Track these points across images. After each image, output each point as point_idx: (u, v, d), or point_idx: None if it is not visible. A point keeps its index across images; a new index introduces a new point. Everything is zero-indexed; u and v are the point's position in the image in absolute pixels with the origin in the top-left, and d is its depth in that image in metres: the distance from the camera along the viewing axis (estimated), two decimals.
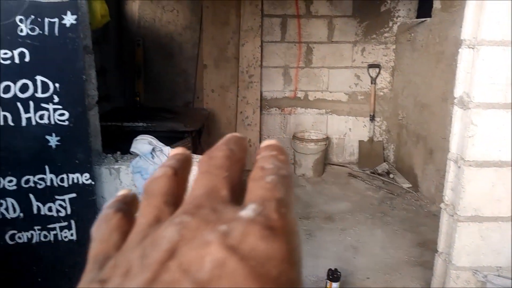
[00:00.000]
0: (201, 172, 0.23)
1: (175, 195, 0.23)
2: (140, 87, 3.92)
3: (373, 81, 4.22)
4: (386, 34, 4.16)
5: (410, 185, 3.69)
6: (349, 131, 4.37)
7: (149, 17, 4.02)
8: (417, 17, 3.92)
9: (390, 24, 4.13)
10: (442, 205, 1.97)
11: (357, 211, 3.23)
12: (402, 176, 3.92)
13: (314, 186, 3.77)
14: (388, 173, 4.00)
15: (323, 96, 4.32)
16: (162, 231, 0.20)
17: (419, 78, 3.67)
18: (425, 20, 3.58)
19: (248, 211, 0.20)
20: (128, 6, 4.01)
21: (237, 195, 0.23)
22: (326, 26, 4.17)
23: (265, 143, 0.26)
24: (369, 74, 4.22)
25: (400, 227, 2.99)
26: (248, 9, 4.01)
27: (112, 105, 3.53)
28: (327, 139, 4.12)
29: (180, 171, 0.25)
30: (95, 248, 0.23)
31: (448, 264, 1.94)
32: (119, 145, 2.67)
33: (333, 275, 2.09)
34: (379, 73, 4.23)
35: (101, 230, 0.23)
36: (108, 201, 0.25)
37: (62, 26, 1.66)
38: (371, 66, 4.21)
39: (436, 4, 3.38)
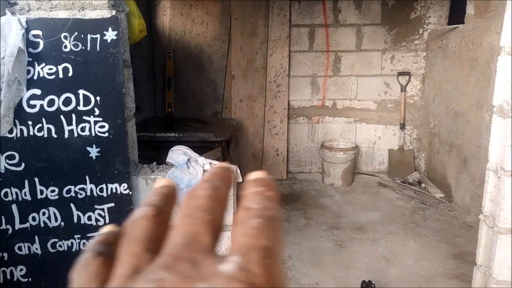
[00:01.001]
0: (182, 216, 0.21)
1: (156, 239, 0.22)
2: (171, 98, 4.00)
3: (403, 89, 4.16)
4: (416, 42, 4.10)
5: (443, 195, 3.60)
6: (379, 140, 4.31)
7: (179, 29, 4.12)
8: (449, 24, 3.85)
9: (421, 31, 4.07)
10: (481, 217, 1.91)
11: (388, 221, 3.17)
12: (434, 185, 3.83)
13: (343, 195, 3.73)
14: (419, 182, 3.92)
15: (352, 104, 4.29)
16: None
17: (452, 85, 3.59)
18: (457, 27, 3.51)
19: (229, 266, 0.18)
20: (160, 19, 4.12)
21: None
22: (354, 34, 4.15)
23: (252, 176, 0.24)
24: (398, 82, 4.17)
25: (434, 238, 2.92)
26: (276, 20, 4.05)
27: (144, 116, 3.62)
28: (356, 148, 4.08)
29: (164, 208, 0.23)
30: None
31: (488, 278, 1.88)
32: (152, 155, 2.74)
33: (367, 287, 2.05)
34: (409, 80, 4.17)
35: (80, 277, 0.22)
36: (90, 242, 0.24)
37: (103, 41, 1.72)
38: (401, 73, 4.16)
39: (470, 10, 3.32)
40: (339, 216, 3.28)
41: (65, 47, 1.71)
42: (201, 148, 2.80)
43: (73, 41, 1.72)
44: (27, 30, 1.69)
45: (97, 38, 1.73)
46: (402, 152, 4.22)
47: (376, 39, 4.13)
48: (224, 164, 0.26)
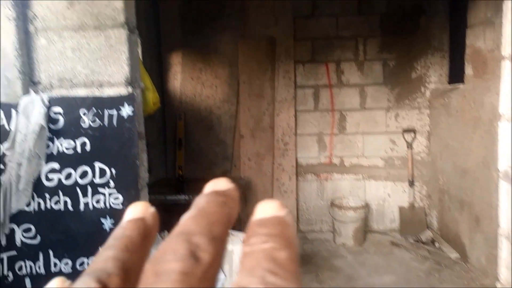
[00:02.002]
0: None
1: None
2: (181, 158, 4.08)
3: (409, 145, 4.21)
4: (419, 100, 4.21)
5: (458, 255, 3.51)
6: (388, 197, 4.29)
7: (190, 93, 4.30)
8: (449, 82, 3.98)
9: (422, 90, 4.20)
10: (497, 285, 1.87)
11: (403, 284, 3.08)
12: (448, 245, 3.75)
13: (355, 256, 3.66)
14: (432, 241, 3.84)
15: (359, 161, 4.33)
16: None
17: (457, 143, 3.63)
18: (458, 86, 3.62)
19: None
20: (171, 83, 4.31)
21: None
22: (358, 94, 4.29)
23: (259, 213, 0.17)
24: (404, 139, 4.23)
25: None
26: (282, 82, 4.22)
27: (154, 177, 3.69)
28: (366, 206, 4.06)
29: (119, 268, 0.16)
30: None
31: None
32: (163, 217, 2.76)
33: None
34: (414, 137, 4.23)
35: None
36: None
37: (120, 117, 1.82)
38: (406, 131, 4.23)
39: (468, 71, 3.44)
40: (353, 279, 3.20)
41: (84, 122, 1.81)
42: None
43: (92, 117, 1.82)
44: (49, 108, 1.80)
45: (113, 114, 1.82)
46: (413, 210, 4.18)
47: (380, 98, 4.26)
48: (218, 188, 0.18)
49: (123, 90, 1.85)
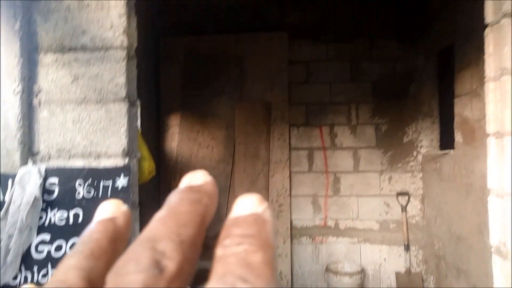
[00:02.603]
0: None
1: None
2: None
3: (404, 209, 4.21)
4: (411, 163, 4.28)
5: None
6: (384, 261, 4.22)
7: (186, 153, 4.36)
8: (441, 147, 4.07)
9: (415, 154, 4.28)
10: None
11: None
12: None
13: None
14: None
15: (354, 224, 4.30)
16: None
17: (451, 208, 3.65)
18: (448, 152, 3.71)
19: None
20: (168, 144, 4.38)
21: None
22: (351, 156, 4.36)
23: (236, 210, 0.16)
24: (398, 202, 4.24)
25: None
26: (276, 144, 4.30)
27: None
28: (362, 271, 3.98)
29: (82, 279, 0.15)
30: None
31: None
32: None
33: None
34: (408, 201, 4.24)
35: None
36: None
37: (114, 188, 1.85)
38: (400, 194, 4.25)
39: (458, 138, 3.54)
40: None
41: (78, 194, 1.83)
42: (201, 278, 2.74)
43: (87, 187, 1.84)
44: (45, 178, 1.82)
45: (109, 185, 1.85)
46: (410, 275, 4.09)
47: (373, 161, 4.32)
48: (194, 183, 0.17)
49: (120, 161, 1.89)
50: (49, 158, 1.90)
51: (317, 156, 4.38)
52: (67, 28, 1.84)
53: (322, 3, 4.20)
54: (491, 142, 1.89)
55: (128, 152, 1.93)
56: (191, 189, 0.17)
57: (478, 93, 3.18)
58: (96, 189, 1.84)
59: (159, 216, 0.16)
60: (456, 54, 3.47)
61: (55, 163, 1.89)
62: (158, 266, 0.14)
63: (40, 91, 1.89)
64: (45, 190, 1.81)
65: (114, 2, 1.84)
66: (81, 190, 1.83)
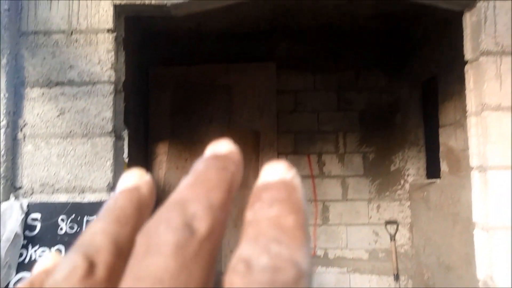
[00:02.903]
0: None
1: None
2: None
3: (392, 238, 4.20)
4: (399, 192, 4.30)
5: None
6: None
7: (174, 182, 4.32)
8: (427, 176, 4.11)
9: (402, 182, 4.31)
10: None
11: None
12: None
13: None
14: None
15: (343, 253, 4.27)
16: None
17: (439, 237, 3.65)
18: (435, 181, 3.74)
19: None
20: (156, 173, 4.35)
21: None
22: (339, 185, 4.37)
23: (264, 176, 0.16)
24: (387, 230, 4.23)
25: None
26: None
27: None
28: None
29: (110, 242, 0.15)
30: None
31: None
32: None
33: None
34: (397, 229, 4.24)
35: None
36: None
37: None
38: (389, 222, 4.25)
39: (444, 167, 3.58)
40: None
41: (61, 229, 1.79)
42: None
43: (69, 223, 1.80)
44: (27, 214, 1.78)
45: (93, 220, 1.81)
46: None
47: (361, 189, 4.34)
48: (219, 151, 0.16)
49: (105, 196, 1.87)
50: (32, 192, 1.87)
51: (306, 185, 4.38)
52: (54, 63, 1.85)
53: (309, 36, 4.31)
54: (475, 175, 1.92)
55: (114, 186, 1.91)
56: (216, 157, 0.16)
57: (462, 123, 3.25)
58: (80, 224, 1.80)
59: (186, 182, 0.16)
60: (439, 85, 3.56)
61: (38, 198, 1.85)
62: (189, 227, 0.13)
63: (25, 125, 1.88)
64: (27, 226, 1.77)
65: (103, 38, 1.86)
66: (64, 226, 1.79)
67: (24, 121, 1.88)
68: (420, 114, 4.21)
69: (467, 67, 1.88)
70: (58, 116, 1.88)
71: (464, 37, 1.86)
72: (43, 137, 1.88)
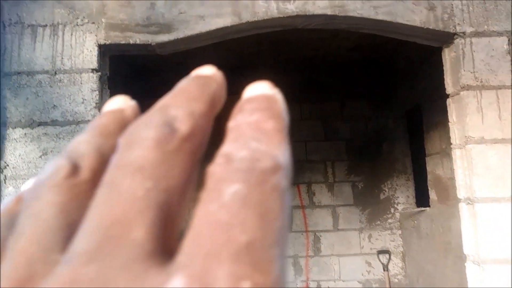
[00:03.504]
0: (101, 185, 0.13)
1: (73, 229, 0.12)
2: None
3: (385, 267, 4.14)
4: (390, 220, 4.28)
5: None
6: None
7: None
8: (417, 204, 4.11)
9: (392, 211, 4.30)
10: None
11: None
12: None
13: None
14: None
15: (336, 285, 4.18)
16: None
17: (432, 267, 3.61)
18: (425, 210, 3.74)
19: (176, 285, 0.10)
20: None
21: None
22: (330, 214, 4.34)
23: (248, 92, 0.16)
24: (380, 260, 4.18)
25: None
26: None
27: None
28: None
29: (93, 150, 0.15)
30: None
31: None
32: None
33: None
34: (389, 259, 4.18)
35: None
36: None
37: None
38: (381, 252, 4.20)
39: (433, 196, 3.58)
40: None
41: None
42: None
43: None
44: None
45: None
46: None
47: (352, 219, 4.30)
48: (201, 73, 0.16)
49: None
50: None
51: (296, 215, 4.34)
52: (37, 103, 1.83)
53: (294, 67, 4.38)
54: (463, 208, 1.91)
55: None
56: (199, 76, 0.16)
57: (447, 152, 3.27)
58: None
59: (167, 94, 0.15)
60: (424, 115, 3.62)
61: None
62: (170, 126, 0.13)
63: (6, 166, 1.83)
64: None
65: (87, 77, 1.85)
66: None
67: (5, 162, 1.84)
68: (406, 142, 4.25)
69: (449, 101, 1.91)
70: (41, 156, 1.84)
71: (444, 71, 1.90)
72: (25, 178, 1.84)
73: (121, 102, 0.17)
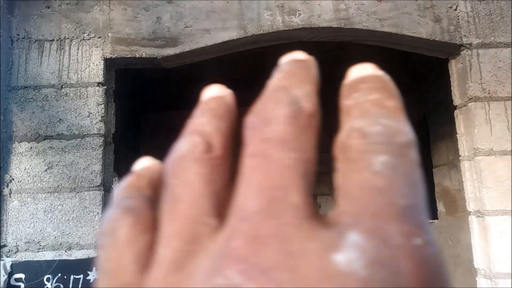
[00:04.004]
0: (249, 155, 0.14)
1: (218, 194, 0.14)
2: None
3: None
4: None
5: None
6: None
7: None
8: None
9: None
10: None
11: None
12: None
13: None
14: None
15: None
16: None
17: None
18: (433, 222, 3.68)
19: (350, 256, 0.11)
20: None
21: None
22: None
23: (355, 72, 0.16)
24: None
25: None
26: None
27: None
28: None
29: (225, 142, 0.15)
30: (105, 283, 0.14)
31: None
32: None
33: None
34: None
35: (107, 254, 0.14)
36: (118, 191, 0.16)
37: (86, 281, 1.73)
38: None
39: (440, 208, 3.54)
40: None
41: None
42: None
43: (55, 282, 1.72)
44: (10, 274, 1.70)
45: (80, 278, 1.73)
46: None
47: None
48: (298, 57, 0.16)
49: (92, 253, 1.79)
50: (17, 251, 1.79)
51: None
52: (43, 117, 1.83)
53: None
54: (473, 221, 1.88)
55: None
56: (298, 60, 0.16)
57: (455, 164, 3.24)
58: (66, 284, 1.72)
59: (276, 76, 0.16)
60: (430, 126, 3.59)
61: (23, 256, 1.77)
62: (296, 104, 0.14)
63: (11, 180, 1.83)
64: (10, 287, 1.68)
65: (93, 91, 1.86)
66: (50, 286, 1.71)
67: (10, 176, 1.83)
68: None
69: (456, 112, 1.89)
70: (46, 170, 1.84)
71: (452, 83, 1.89)
72: (30, 192, 1.83)
73: (219, 90, 0.18)
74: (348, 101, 0.15)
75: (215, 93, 0.18)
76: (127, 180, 0.17)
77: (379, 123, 0.13)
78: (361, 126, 0.13)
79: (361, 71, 0.16)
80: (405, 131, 0.13)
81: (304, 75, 0.15)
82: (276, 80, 0.15)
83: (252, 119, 0.14)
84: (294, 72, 0.16)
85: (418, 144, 0.14)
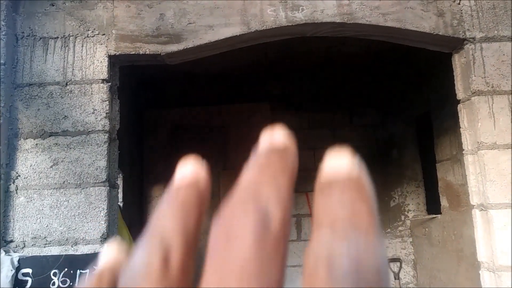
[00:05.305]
0: (207, 281, 0.14)
1: None
2: None
3: (396, 276, 4.08)
4: (400, 228, 4.24)
5: None
6: None
7: None
8: (428, 211, 4.06)
9: (402, 218, 4.25)
10: None
11: None
12: None
13: None
14: None
15: None
16: None
17: (444, 275, 3.55)
18: (436, 217, 3.69)
19: None
20: (150, 215, 4.27)
21: None
22: None
23: (332, 163, 0.16)
24: (391, 269, 4.12)
25: None
26: None
27: None
28: None
29: (185, 246, 0.15)
30: None
31: None
32: None
33: None
34: (400, 267, 4.13)
35: None
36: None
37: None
38: (392, 260, 4.15)
39: (444, 202, 3.54)
40: None
41: (53, 284, 1.72)
42: None
43: (62, 277, 1.74)
44: (18, 269, 1.72)
45: (86, 273, 1.75)
46: None
47: None
48: (276, 144, 0.16)
49: (98, 247, 1.81)
50: (24, 246, 1.81)
51: (305, 224, 4.31)
52: (48, 114, 1.85)
53: (302, 77, 4.38)
54: (476, 214, 1.88)
55: (108, 237, 1.86)
56: (276, 149, 0.16)
57: (458, 158, 3.24)
58: (72, 278, 1.74)
59: (252, 165, 0.16)
60: (433, 121, 3.59)
61: (30, 252, 1.79)
62: (264, 215, 0.14)
63: (18, 176, 1.85)
64: (17, 282, 1.70)
65: (97, 88, 1.87)
66: (56, 280, 1.72)
67: (16, 172, 1.85)
68: (416, 149, 4.22)
69: (459, 107, 1.89)
70: (52, 166, 1.86)
71: (455, 77, 1.89)
72: (36, 188, 1.85)
73: (193, 171, 0.17)
74: (321, 202, 0.15)
75: (188, 176, 0.17)
76: (88, 283, 0.17)
77: (348, 247, 0.13)
78: (328, 255, 0.13)
79: (336, 163, 0.15)
80: (374, 255, 0.13)
81: (280, 169, 0.15)
82: (249, 176, 0.15)
83: (217, 232, 0.14)
84: (269, 165, 0.15)
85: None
